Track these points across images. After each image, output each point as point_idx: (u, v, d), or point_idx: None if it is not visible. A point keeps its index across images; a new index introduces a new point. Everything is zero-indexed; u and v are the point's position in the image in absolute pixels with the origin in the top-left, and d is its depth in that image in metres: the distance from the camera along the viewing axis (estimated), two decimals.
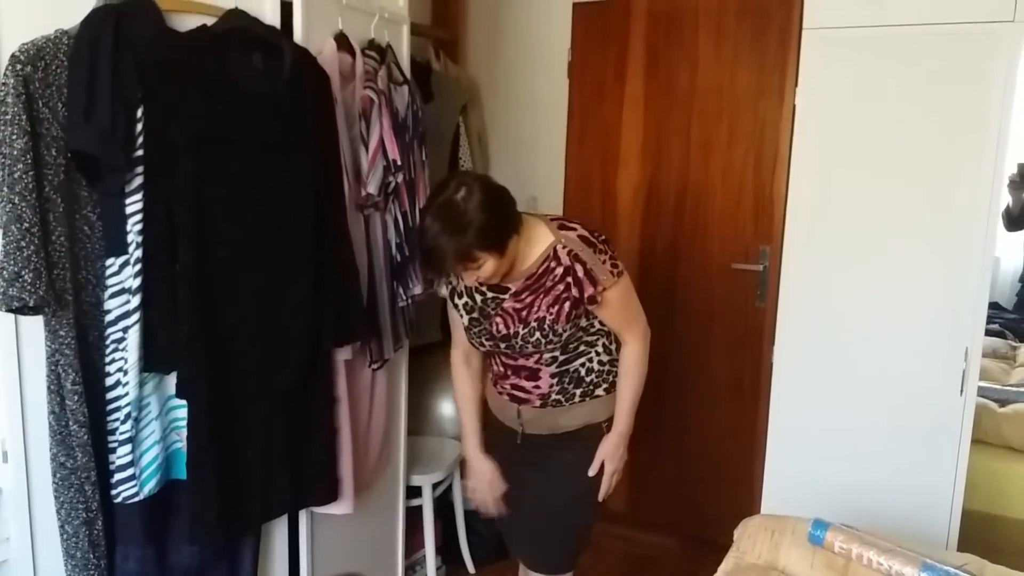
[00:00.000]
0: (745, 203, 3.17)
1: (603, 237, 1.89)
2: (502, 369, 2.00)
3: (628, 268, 1.97)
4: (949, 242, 2.36)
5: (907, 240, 2.41)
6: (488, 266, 1.74)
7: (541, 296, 1.85)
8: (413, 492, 2.86)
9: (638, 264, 3.28)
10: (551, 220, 1.89)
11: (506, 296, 1.88)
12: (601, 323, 1.95)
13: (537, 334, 1.86)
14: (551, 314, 1.85)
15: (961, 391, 2.38)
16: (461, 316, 1.97)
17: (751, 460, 3.10)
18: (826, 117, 2.46)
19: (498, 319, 1.89)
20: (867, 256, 2.46)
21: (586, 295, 1.83)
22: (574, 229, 1.86)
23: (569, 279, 1.83)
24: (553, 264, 1.83)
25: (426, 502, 2.89)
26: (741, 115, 3.12)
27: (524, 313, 1.86)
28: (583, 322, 1.91)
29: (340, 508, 2.16)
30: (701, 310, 3.26)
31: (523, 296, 1.86)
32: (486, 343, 1.95)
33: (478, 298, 1.91)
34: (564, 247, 1.83)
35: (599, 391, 1.99)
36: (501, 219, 1.74)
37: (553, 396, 1.97)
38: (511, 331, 1.88)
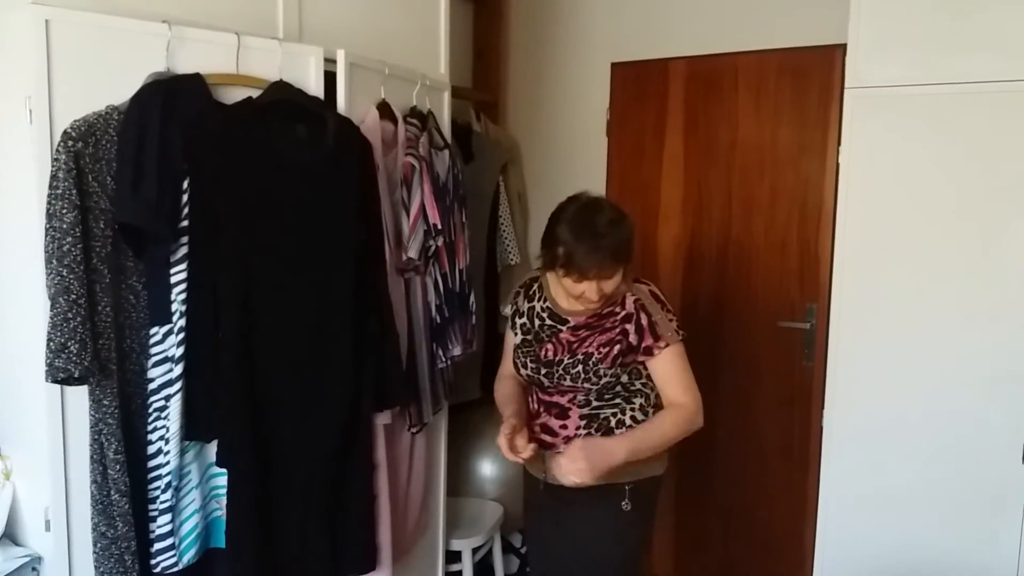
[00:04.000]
0: (790, 260, 3.13)
1: (670, 305, 1.99)
2: (536, 406, 2.05)
3: None
4: (1003, 303, 2.29)
5: (960, 301, 2.34)
6: (614, 282, 1.87)
7: (596, 334, 1.93)
8: (453, 557, 2.81)
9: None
10: (630, 274, 1.98)
11: (564, 328, 1.98)
12: (644, 384, 1.98)
13: (580, 367, 1.92)
14: (599, 353, 1.91)
15: (1023, 459, 2.27)
16: (516, 335, 2.08)
17: (801, 526, 3.00)
18: (872, 175, 2.42)
19: (549, 345, 1.98)
20: (918, 316, 2.39)
21: (643, 345, 1.91)
22: (648, 285, 2.00)
23: (629, 326, 1.92)
24: (618, 309, 1.94)
25: (466, 567, 2.83)
26: (783, 172, 3.10)
27: (575, 345, 1.94)
28: (624, 377, 1.95)
29: None
30: (747, 369, 3.20)
31: (580, 331, 1.96)
32: (529, 365, 2.01)
33: (537, 323, 2.03)
34: (633, 296, 1.95)
35: None
36: (632, 249, 1.92)
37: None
38: (556, 358, 1.96)
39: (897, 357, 2.44)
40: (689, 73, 3.25)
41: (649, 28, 3.34)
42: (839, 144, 2.53)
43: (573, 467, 1.79)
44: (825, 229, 2.98)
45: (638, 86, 3.37)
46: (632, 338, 1.91)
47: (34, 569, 1.70)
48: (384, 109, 2.17)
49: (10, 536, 1.76)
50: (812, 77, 2.99)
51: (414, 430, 2.27)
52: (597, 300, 1.90)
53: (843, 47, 2.49)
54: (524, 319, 2.08)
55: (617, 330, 1.92)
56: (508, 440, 1.88)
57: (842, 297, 2.51)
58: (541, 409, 2.03)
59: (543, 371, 1.98)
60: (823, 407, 2.61)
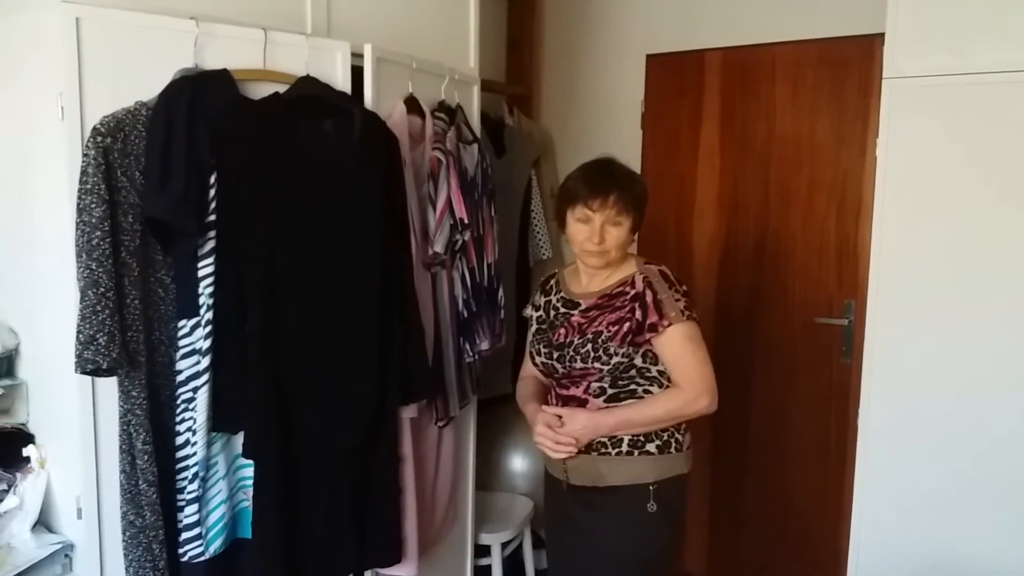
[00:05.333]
0: (828, 255, 3.06)
1: (685, 287, 1.96)
2: (554, 402, 2.04)
3: (704, 322, 1.98)
4: None
5: (1001, 299, 2.26)
6: (619, 233, 1.93)
7: (607, 313, 1.94)
8: (482, 551, 2.82)
9: (715, 318, 3.19)
10: (641, 258, 2.03)
11: (575, 312, 2.00)
12: (660, 371, 1.94)
13: (589, 346, 1.92)
14: (609, 331, 1.91)
15: None
16: (531, 327, 2.13)
17: (837, 527, 2.94)
18: (911, 168, 2.34)
19: (561, 329, 2.00)
20: (958, 314, 2.32)
21: (648, 322, 1.89)
22: (658, 266, 1.99)
23: (636, 304, 1.91)
24: (628, 288, 1.94)
25: (495, 562, 2.84)
26: (821, 165, 3.03)
27: (585, 326, 1.96)
28: (639, 360, 1.92)
29: (404, 570, 2.13)
30: (783, 366, 3.14)
31: (590, 312, 1.97)
32: (543, 351, 2.03)
33: (552, 313, 2.07)
34: (642, 275, 1.95)
35: (650, 446, 1.94)
36: (643, 209, 1.98)
37: (599, 438, 1.94)
38: (567, 340, 1.97)
39: (936, 356, 2.36)
40: (725, 64, 3.20)
41: (684, 19, 3.29)
42: (878, 137, 2.46)
43: (557, 445, 1.92)
44: (864, 223, 2.90)
45: (673, 78, 3.32)
46: (638, 314, 1.90)
47: (67, 556, 1.75)
48: (412, 103, 2.17)
49: (44, 523, 1.80)
50: (851, 68, 2.92)
51: (441, 424, 2.27)
52: (599, 248, 1.91)
53: (883, 36, 2.42)
54: (540, 312, 2.11)
55: (627, 309, 1.92)
56: (549, 428, 1.94)
57: (879, 293, 2.44)
58: (559, 405, 2.02)
59: (555, 355, 1.98)
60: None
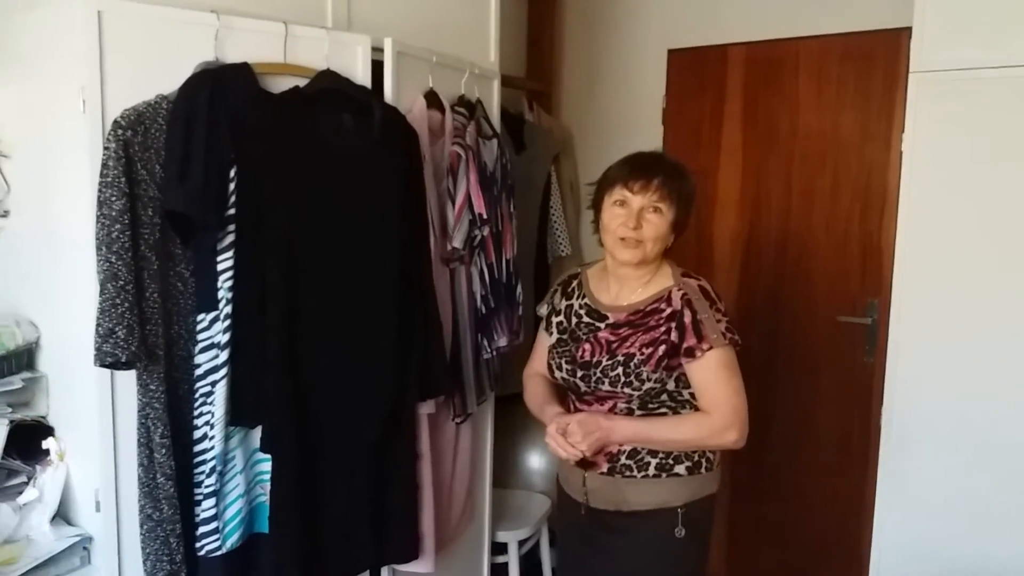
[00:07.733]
0: (851, 253, 3.02)
1: (723, 305, 1.79)
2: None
3: None
4: None
5: None
6: (659, 223, 1.75)
7: (639, 333, 1.77)
8: (499, 549, 2.80)
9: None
10: (679, 268, 1.85)
11: (602, 325, 1.82)
12: (692, 394, 1.79)
13: (620, 369, 1.75)
14: (642, 354, 1.75)
15: None
16: (551, 334, 1.94)
17: (859, 528, 2.90)
18: (938, 164, 2.30)
19: (586, 345, 1.83)
20: (984, 314, 2.27)
21: (685, 345, 1.72)
22: (698, 280, 1.81)
23: (673, 324, 1.74)
24: (664, 305, 1.77)
25: (512, 559, 2.82)
26: (846, 161, 2.99)
27: (615, 345, 1.78)
28: (671, 384, 1.78)
29: (421, 566, 2.12)
30: (805, 366, 3.11)
31: (621, 329, 1.79)
32: (564, 367, 1.85)
33: (574, 320, 1.89)
34: (680, 290, 1.78)
35: (680, 468, 1.79)
36: (690, 207, 1.81)
37: (623, 460, 1.80)
38: (594, 359, 1.80)
39: (961, 356, 2.32)
40: (748, 59, 3.16)
41: (707, 13, 3.26)
42: (903, 132, 2.42)
43: (566, 447, 1.72)
44: (888, 221, 2.86)
45: (695, 73, 3.29)
46: (674, 336, 1.72)
47: (85, 548, 1.75)
48: (431, 98, 2.16)
49: (63, 516, 1.81)
50: (877, 62, 2.88)
51: (458, 420, 2.26)
52: (633, 235, 1.73)
53: (909, 30, 2.38)
54: (561, 317, 1.93)
55: (662, 329, 1.74)
56: (560, 432, 1.75)
57: (903, 292, 2.40)
58: None
59: (579, 373, 1.82)
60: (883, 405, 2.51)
